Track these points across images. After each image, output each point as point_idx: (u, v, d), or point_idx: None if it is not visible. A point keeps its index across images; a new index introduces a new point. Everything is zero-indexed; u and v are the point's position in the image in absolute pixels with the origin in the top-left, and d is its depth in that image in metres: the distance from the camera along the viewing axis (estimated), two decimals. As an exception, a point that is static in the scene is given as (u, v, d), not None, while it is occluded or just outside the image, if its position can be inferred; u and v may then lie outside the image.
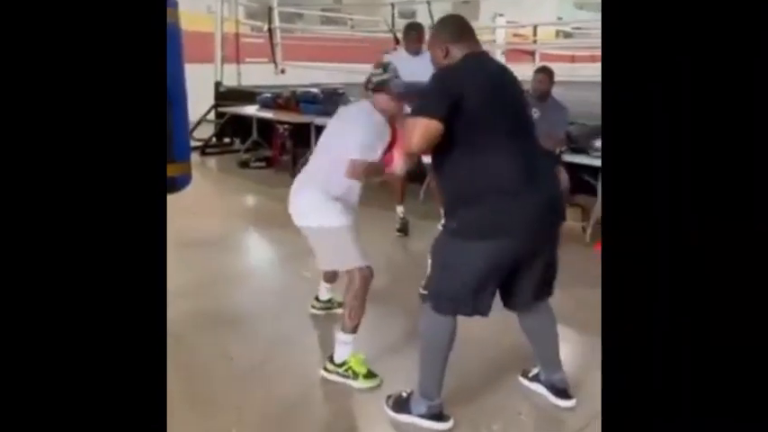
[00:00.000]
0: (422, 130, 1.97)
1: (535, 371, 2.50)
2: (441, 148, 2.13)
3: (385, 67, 2.64)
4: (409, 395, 2.29)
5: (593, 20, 10.96)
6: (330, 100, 6.09)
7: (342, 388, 2.52)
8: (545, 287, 2.30)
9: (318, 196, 2.57)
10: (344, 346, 2.56)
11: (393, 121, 2.59)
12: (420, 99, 2.10)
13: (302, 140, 6.37)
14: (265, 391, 2.50)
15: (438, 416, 2.24)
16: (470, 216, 2.07)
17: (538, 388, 2.47)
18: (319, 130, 6.11)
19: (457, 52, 2.14)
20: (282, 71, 7.74)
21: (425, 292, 2.28)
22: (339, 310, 3.07)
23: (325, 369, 2.58)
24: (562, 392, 2.40)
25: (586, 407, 2.34)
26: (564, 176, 4.04)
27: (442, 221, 4.28)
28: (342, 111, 2.80)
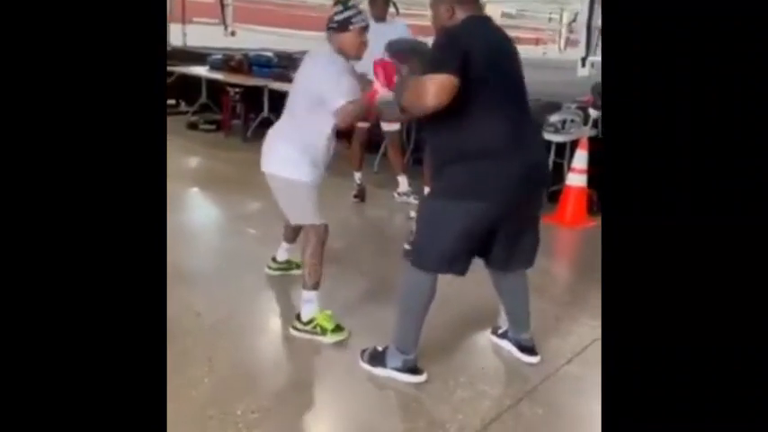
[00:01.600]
0: (438, 85, 1.93)
1: (504, 328, 2.61)
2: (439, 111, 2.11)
3: (345, 3, 2.54)
4: (384, 349, 2.34)
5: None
6: (284, 65, 6.00)
7: (310, 344, 2.55)
8: (525, 255, 2.36)
9: (291, 148, 2.55)
10: (309, 304, 2.59)
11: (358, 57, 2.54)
12: (432, 56, 2.07)
13: (254, 104, 6.27)
14: (235, 345, 2.51)
15: (413, 369, 2.31)
16: (454, 175, 2.12)
17: (505, 344, 2.58)
18: (273, 93, 6.12)
19: (461, 13, 2.14)
20: (233, 33, 7.54)
21: (409, 248, 2.33)
22: (296, 272, 3.08)
23: (294, 327, 2.60)
24: (528, 350, 2.52)
25: (544, 365, 2.49)
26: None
27: (399, 190, 4.46)
28: (308, 59, 2.65)
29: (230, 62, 6.51)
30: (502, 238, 2.27)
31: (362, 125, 4.50)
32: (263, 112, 6.18)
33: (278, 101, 6.13)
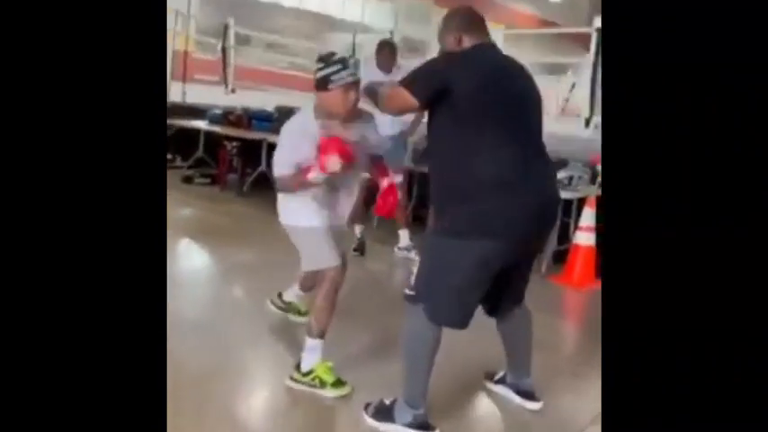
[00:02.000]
0: (399, 101, 2.03)
1: (500, 374, 2.45)
2: (433, 143, 2.07)
3: (327, 59, 2.28)
4: (392, 403, 2.14)
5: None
6: (285, 119, 5.94)
7: (310, 397, 2.32)
8: (517, 293, 2.25)
9: (296, 196, 2.43)
10: (312, 353, 2.38)
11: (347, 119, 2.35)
12: (411, 74, 2.04)
13: (252, 158, 6.18)
14: (227, 398, 2.28)
15: (424, 425, 2.09)
16: (460, 213, 1.96)
17: (503, 391, 2.42)
18: (272, 147, 6.02)
19: (468, 41, 2.09)
20: (233, 91, 7.54)
21: (412, 293, 2.14)
22: (294, 318, 2.98)
23: (292, 378, 2.38)
24: (530, 395, 2.36)
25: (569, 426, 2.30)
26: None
27: (400, 244, 4.32)
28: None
29: (229, 116, 6.46)
30: (507, 280, 2.11)
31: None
32: (261, 166, 6.07)
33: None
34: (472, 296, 2.02)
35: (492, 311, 2.27)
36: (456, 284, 1.97)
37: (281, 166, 2.34)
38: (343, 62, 2.27)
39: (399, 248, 4.44)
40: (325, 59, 2.29)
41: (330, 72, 2.26)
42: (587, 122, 5.03)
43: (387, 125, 3.62)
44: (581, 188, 4.29)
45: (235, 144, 6.35)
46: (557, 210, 2.18)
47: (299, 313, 3.00)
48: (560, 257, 4.29)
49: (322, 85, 2.27)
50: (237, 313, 3.17)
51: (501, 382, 2.44)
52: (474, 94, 1.92)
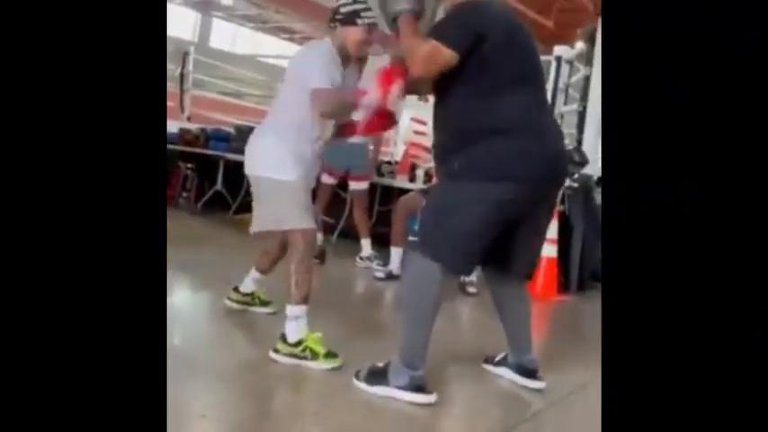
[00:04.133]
0: (435, 55, 1.87)
1: (501, 356, 2.33)
2: (448, 84, 1.97)
3: None
4: (386, 365, 1.98)
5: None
6: (244, 138, 5.85)
7: (295, 371, 2.12)
8: (526, 262, 2.15)
9: (274, 143, 2.28)
10: (297, 321, 2.19)
11: (362, 60, 2.34)
12: (440, 26, 1.96)
13: (208, 177, 6.02)
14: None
15: (421, 387, 1.93)
16: (476, 154, 1.89)
17: (504, 372, 2.29)
18: (228, 165, 5.90)
19: None
20: (188, 118, 7.41)
21: (415, 239, 1.98)
22: (258, 309, 2.76)
23: (276, 351, 2.18)
24: (532, 373, 2.23)
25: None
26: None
27: (362, 254, 4.20)
28: (300, 51, 2.46)
29: (186, 135, 6.30)
30: (518, 236, 2.03)
31: (327, 182, 4.33)
32: (217, 185, 5.91)
33: (233, 173, 5.92)
34: (481, 242, 1.93)
35: (497, 270, 2.15)
36: (467, 227, 1.88)
37: (321, 79, 2.15)
38: (366, 2, 2.28)
39: (361, 258, 4.33)
40: None
41: (360, 8, 2.26)
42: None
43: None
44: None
45: (189, 165, 6.18)
46: (567, 165, 2.15)
47: (263, 303, 2.78)
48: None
49: (350, 19, 2.26)
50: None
51: (502, 363, 2.31)
52: (502, 42, 1.92)
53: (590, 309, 3.93)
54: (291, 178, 2.25)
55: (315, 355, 2.14)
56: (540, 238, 2.17)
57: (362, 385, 1.98)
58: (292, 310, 2.20)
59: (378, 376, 1.96)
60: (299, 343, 2.15)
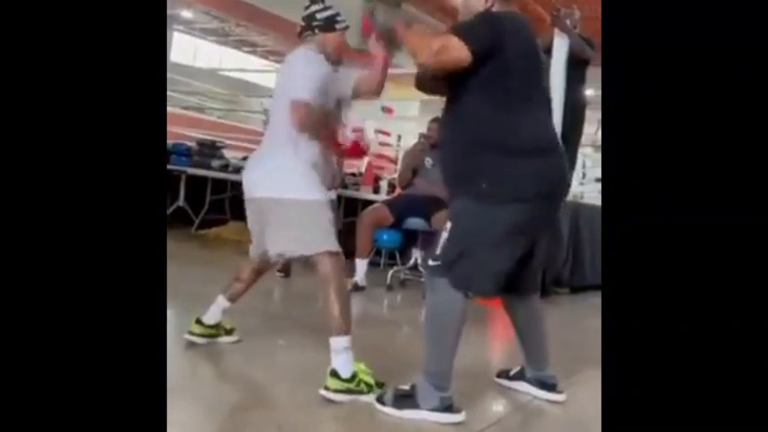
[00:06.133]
0: (449, 47, 1.82)
1: (516, 370, 2.35)
2: (464, 90, 1.94)
3: (323, 1, 2.30)
4: (412, 388, 1.95)
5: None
6: (205, 153, 5.81)
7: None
8: (535, 275, 2.23)
9: (289, 161, 2.15)
10: (345, 353, 2.03)
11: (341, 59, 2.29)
12: (459, 26, 1.95)
13: (170, 192, 5.93)
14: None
15: (450, 408, 1.93)
16: (503, 175, 1.88)
17: (522, 387, 2.31)
18: (190, 181, 5.83)
19: (499, 6, 2.02)
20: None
21: (436, 264, 1.93)
22: (224, 339, 2.51)
23: (328, 388, 2.00)
24: (552, 387, 2.26)
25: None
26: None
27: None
28: (284, 65, 2.37)
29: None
30: (534, 250, 2.09)
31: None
32: (179, 200, 5.84)
33: (195, 188, 5.85)
34: (509, 263, 1.95)
35: (513, 291, 2.16)
36: (492, 250, 1.89)
37: (303, 90, 2.09)
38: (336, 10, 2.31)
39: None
40: (322, 1, 2.29)
41: (334, 14, 2.28)
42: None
43: None
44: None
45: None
46: (568, 182, 2.23)
47: (227, 332, 2.54)
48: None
49: (328, 25, 2.27)
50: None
51: (518, 378, 2.32)
52: (522, 56, 1.93)
53: (557, 314, 3.98)
54: (317, 197, 2.15)
55: (370, 388, 2.04)
56: (543, 251, 2.24)
57: (390, 410, 1.94)
58: (339, 341, 2.04)
59: (405, 400, 1.94)
60: (353, 377, 2.02)
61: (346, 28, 2.30)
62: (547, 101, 2.10)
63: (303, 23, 2.32)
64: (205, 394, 2.08)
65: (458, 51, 1.82)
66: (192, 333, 2.45)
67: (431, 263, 1.95)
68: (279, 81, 2.34)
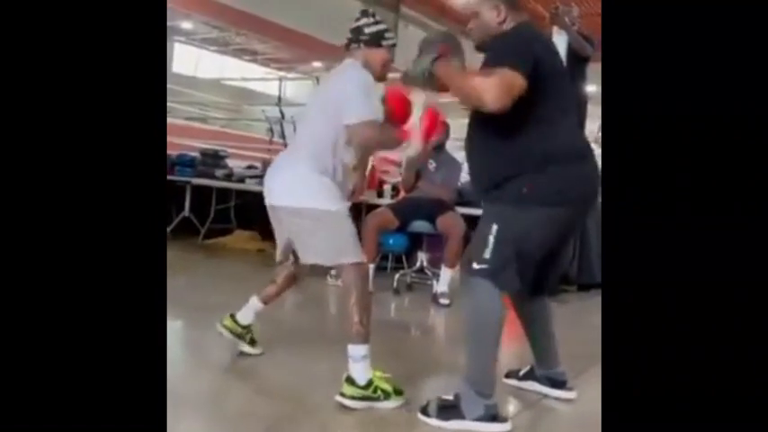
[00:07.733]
0: (509, 85, 1.74)
1: (525, 369, 2.35)
2: (507, 115, 1.85)
3: (374, 15, 2.21)
4: (456, 398, 1.94)
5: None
6: (209, 162, 5.84)
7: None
8: (553, 278, 2.31)
9: (312, 173, 2.13)
10: (363, 362, 2.04)
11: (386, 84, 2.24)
12: (497, 54, 1.86)
13: (175, 203, 5.97)
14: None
15: (496, 417, 1.92)
16: (543, 180, 1.89)
17: (533, 386, 2.31)
18: (195, 189, 5.86)
19: (512, 18, 2.01)
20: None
21: (482, 267, 1.90)
22: (247, 348, 2.49)
23: (344, 395, 2.02)
24: (562, 384, 2.26)
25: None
26: (461, 222, 4.09)
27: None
28: (330, 75, 2.34)
29: (151, 163, 6.24)
30: (560, 252, 2.16)
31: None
32: (184, 211, 5.87)
33: (201, 198, 5.88)
34: (536, 262, 1.98)
35: (536, 289, 2.16)
36: (531, 252, 1.92)
37: (364, 112, 2.04)
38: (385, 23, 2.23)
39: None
40: (373, 15, 2.20)
41: (383, 29, 2.21)
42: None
43: None
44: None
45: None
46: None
47: (252, 341, 2.52)
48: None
49: (375, 40, 2.19)
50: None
51: (528, 377, 2.32)
52: (552, 67, 1.94)
53: (564, 312, 3.98)
54: (341, 208, 2.16)
55: (386, 395, 2.05)
56: (568, 252, 2.26)
57: (435, 421, 1.92)
58: (357, 349, 2.05)
59: (450, 410, 1.93)
60: (369, 384, 2.03)
61: (393, 45, 2.24)
62: (574, 107, 2.13)
63: (350, 35, 2.25)
64: (207, 400, 2.10)
65: (517, 84, 1.77)
66: (223, 325, 2.48)
67: (476, 266, 1.92)
68: (321, 94, 2.29)
